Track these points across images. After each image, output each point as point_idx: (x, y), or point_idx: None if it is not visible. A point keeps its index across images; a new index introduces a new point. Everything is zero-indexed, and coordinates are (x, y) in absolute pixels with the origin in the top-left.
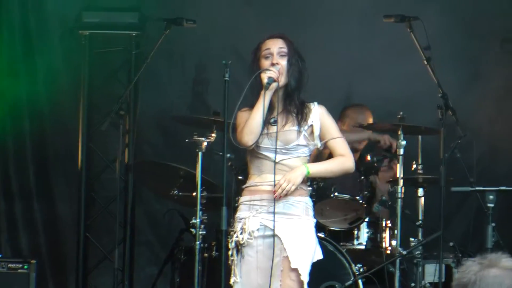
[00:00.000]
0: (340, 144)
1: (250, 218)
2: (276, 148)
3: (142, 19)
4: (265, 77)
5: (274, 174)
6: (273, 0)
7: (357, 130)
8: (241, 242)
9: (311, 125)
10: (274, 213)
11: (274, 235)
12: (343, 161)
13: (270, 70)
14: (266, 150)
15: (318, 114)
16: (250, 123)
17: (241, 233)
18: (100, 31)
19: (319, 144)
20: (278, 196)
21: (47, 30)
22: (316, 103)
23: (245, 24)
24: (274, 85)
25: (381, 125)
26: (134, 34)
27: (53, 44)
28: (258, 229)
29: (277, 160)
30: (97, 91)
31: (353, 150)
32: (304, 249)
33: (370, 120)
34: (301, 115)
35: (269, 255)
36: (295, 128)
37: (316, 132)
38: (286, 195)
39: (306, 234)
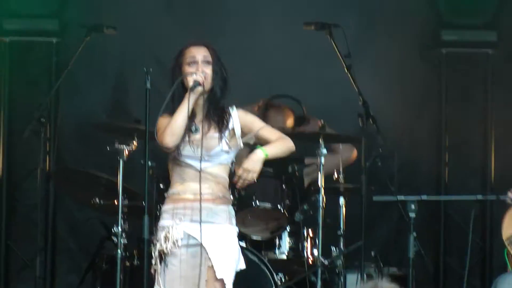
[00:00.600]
0: (270, 131)
1: (173, 226)
2: (201, 155)
3: (62, 25)
4: (191, 80)
5: (200, 182)
6: (192, 8)
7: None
8: (165, 251)
9: (232, 129)
10: (200, 222)
11: (201, 245)
12: (285, 141)
13: (196, 74)
14: (188, 158)
15: (237, 117)
16: (172, 125)
17: (165, 242)
18: (20, 38)
19: (241, 145)
20: (240, 186)
21: None
22: (234, 107)
23: (165, 32)
24: (199, 89)
25: (302, 133)
26: (54, 41)
27: None
28: (181, 238)
29: (199, 169)
30: (17, 98)
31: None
32: (229, 258)
33: (290, 121)
34: (221, 122)
35: (193, 264)
36: (216, 134)
37: (238, 133)
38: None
39: (230, 243)
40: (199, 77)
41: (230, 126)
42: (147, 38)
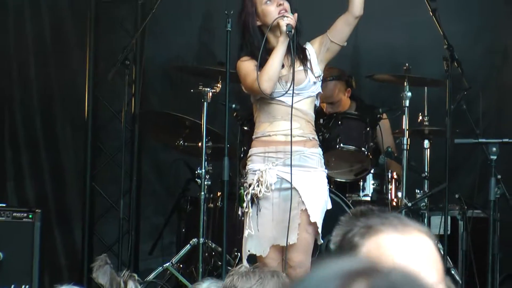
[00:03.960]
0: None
1: (267, 170)
2: (292, 90)
3: None
4: (283, 24)
5: (291, 118)
6: None
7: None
8: (258, 195)
9: (309, 60)
10: (291, 165)
11: (292, 188)
12: None
13: (287, 16)
14: (278, 94)
15: (310, 48)
16: (269, 71)
17: (258, 186)
18: None
19: (320, 72)
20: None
21: None
22: (307, 43)
23: None
24: (292, 33)
25: (386, 77)
26: None
27: None
28: (275, 182)
29: (291, 104)
30: (103, 41)
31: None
32: (320, 202)
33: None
34: (303, 55)
35: (285, 208)
36: (301, 68)
37: (314, 62)
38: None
39: (322, 187)
40: (291, 20)
41: (308, 57)
42: None
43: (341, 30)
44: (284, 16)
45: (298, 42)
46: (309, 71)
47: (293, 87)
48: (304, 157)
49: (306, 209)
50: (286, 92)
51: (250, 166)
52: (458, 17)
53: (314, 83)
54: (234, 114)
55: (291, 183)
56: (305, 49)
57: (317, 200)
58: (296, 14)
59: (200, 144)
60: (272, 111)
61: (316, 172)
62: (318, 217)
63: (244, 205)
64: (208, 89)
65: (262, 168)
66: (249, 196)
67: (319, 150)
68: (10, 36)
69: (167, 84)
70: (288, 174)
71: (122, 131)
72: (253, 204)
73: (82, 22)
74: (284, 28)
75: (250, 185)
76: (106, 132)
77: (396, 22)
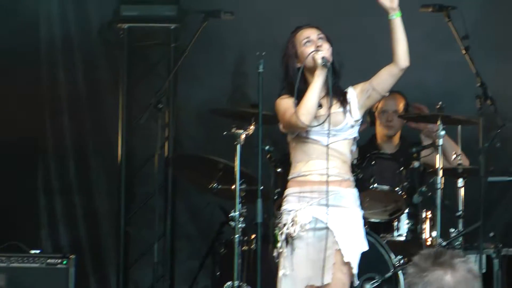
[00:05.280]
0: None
1: (301, 210)
2: (329, 130)
3: (180, 11)
4: (318, 57)
5: (328, 157)
6: None
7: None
8: (293, 235)
9: (349, 103)
10: (327, 205)
11: (327, 228)
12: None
13: (321, 50)
14: (315, 133)
15: (352, 92)
16: (306, 103)
17: (292, 225)
18: (138, 24)
19: (359, 116)
20: None
21: (86, 23)
22: (350, 87)
23: (284, 16)
24: (328, 65)
25: (420, 115)
26: (172, 27)
27: (92, 38)
28: (309, 222)
29: (326, 144)
30: (136, 84)
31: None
32: (355, 242)
33: (402, 105)
34: (343, 97)
35: (320, 247)
36: (340, 109)
37: (354, 106)
38: None
39: (357, 226)
40: (326, 53)
41: (348, 100)
42: (265, 22)
43: (385, 80)
44: (318, 50)
45: (339, 85)
46: (348, 114)
47: (329, 122)
48: (339, 196)
49: (340, 249)
50: (327, 133)
51: (285, 206)
52: (492, 55)
53: (352, 126)
54: (268, 156)
55: (326, 223)
56: (345, 92)
57: (351, 240)
58: (330, 49)
59: (233, 186)
60: (307, 150)
61: (351, 212)
62: (352, 257)
63: (279, 245)
64: (242, 131)
65: (297, 208)
66: (283, 236)
67: (354, 190)
68: (43, 83)
69: (200, 127)
70: (322, 213)
71: (155, 175)
72: (288, 244)
73: (115, 66)
74: (319, 61)
75: (284, 225)
76: (140, 176)
77: (429, 60)
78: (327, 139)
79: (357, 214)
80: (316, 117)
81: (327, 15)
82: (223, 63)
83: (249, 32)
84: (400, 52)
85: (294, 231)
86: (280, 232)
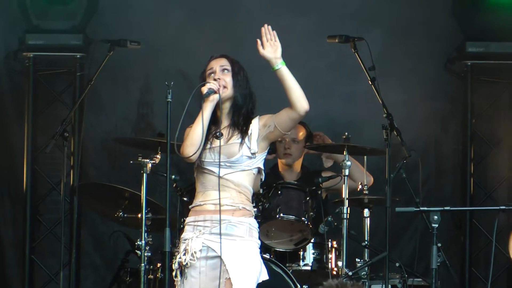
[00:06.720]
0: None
1: (193, 239)
2: (219, 162)
3: (86, 41)
4: (204, 89)
5: (219, 188)
6: (218, 22)
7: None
8: (184, 263)
9: (250, 134)
10: (220, 234)
11: (220, 257)
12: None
13: (209, 82)
14: (209, 164)
15: (256, 122)
16: (191, 135)
17: (184, 254)
18: (44, 53)
19: (256, 149)
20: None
21: None
22: (257, 117)
23: (189, 46)
24: (215, 96)
25: (326, 145)
26: (78, 56)
27: None
28: (201, 250)
29: (221, 174)
30: (41, 113)
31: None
32: (247, 271)
33: (302, 133)
34: (245, 128)
35: (212, 276)
36: (238, 141)
37: (254, 138)
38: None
39: (249, 256)
40: (212, 85)
41: (249, 132)
42: (171, 53)
43: (284, 122)
44: (207, 82)
45: (248, 115)
46: (245, 146)
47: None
48: (231, 225)
49: (229, 278)
50: (218, 163)
51: (182, 235)
52: (398, 87)
53: (249, 157)
54: (174, 185)
55: (220, 253)
56: (250, 123)
57: (243, 269)
58: (230, 81)
59: (139, 215)
60: (204, 180)
61: (244, 242)
62: (243, 286)
63: (173, 273)
64: (148, 160)
65: (190, 237)
66: (176, 265)
67: (249, 220)
68: None
69: (106, 155)
70: (214, 243)
71: (61, 203)
72: (181, 272)
73: (20, 95)
74: (204, 92)
75: (178, 254)
76: (45, 204)
77: (335, 91)
78: (220, 170)
79: (251, 244)
80: (211, 148)
81: (239, 42)
82: (128, 92)
83: (154, 61)
84: (295, 100)
85: (185, 260)
86: (174, 261)
